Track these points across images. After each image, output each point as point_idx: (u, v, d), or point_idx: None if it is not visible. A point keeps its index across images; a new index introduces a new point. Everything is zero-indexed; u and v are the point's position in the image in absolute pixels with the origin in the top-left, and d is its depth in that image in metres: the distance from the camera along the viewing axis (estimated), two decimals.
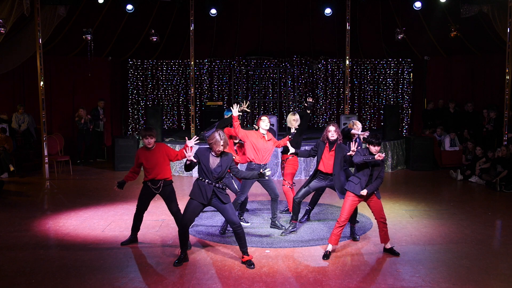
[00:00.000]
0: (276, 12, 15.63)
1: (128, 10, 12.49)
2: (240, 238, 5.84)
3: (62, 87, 14.52)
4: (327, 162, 6.73)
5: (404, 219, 7.80)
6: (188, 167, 5.86)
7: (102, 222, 7.71)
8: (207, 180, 5.75)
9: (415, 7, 12.22)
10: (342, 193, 6.58)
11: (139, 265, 5.93)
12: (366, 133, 7.31)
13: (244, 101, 8.29)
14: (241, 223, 7.47)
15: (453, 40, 13.36)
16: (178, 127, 16.54)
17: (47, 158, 11.47)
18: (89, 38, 12.28)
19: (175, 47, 16.08)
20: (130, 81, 16.13)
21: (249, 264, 5.78)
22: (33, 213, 8.28)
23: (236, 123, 6.98)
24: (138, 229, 6.74)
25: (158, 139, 12.21)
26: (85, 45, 13.42)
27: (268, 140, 7.07)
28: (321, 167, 6.79)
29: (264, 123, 7.04)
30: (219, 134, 5.68)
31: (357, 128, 7.45)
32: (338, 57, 15.88)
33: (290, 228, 7.05)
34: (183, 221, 5.81)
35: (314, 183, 6.90)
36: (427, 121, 13.94)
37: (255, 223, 7.64)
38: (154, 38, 13.24)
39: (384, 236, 6.22)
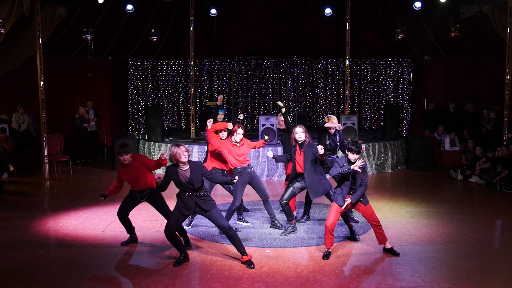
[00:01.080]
0: (276, 12, 15.64)
1: (128, 10, 12.49)
2: (233, 239, 5.84)
3: (62, 87, 14.52)
4: (301, 163, 6.76)
5: (404, 219, 7.79)
6: (161, 187, 5.96)
7: (102, 222, 7.71)
8: (187, 193, 5.78)
9: (415, 7, 12.22)
10: (314, 191, 6.65)
11: (139, 265, 5.94)
12: (340, 125, 7.44)
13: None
14: (241, 222, 7.49)
15: (453, 40, 13.36)
16: (178, 127, 16.54)
17: (47, 158, 11.47)
18: (89, 38, 12.28)
19: (175, 47, 16.09)
20: (130, 81, 16.13)
21: (249, 264, 5.78)
22: (33, 213, 8.28)
23: (210, 135, 7.11)
24: (133, 228, 6.75)
25: (158, 139, 12.33)
26: (85, 45, 13.42)
27: (241, 146, 7.11)
28: (298, 169, 6.84)
29: (238, 136, 7.03)
30: (177, 146, 5.69)
31: (332, 122, 7.48)
32: (338, 57, 15.88)
33: (290, 228, 7.05)
34: (168, 227, 5.82)
35: (299, 184, 6.92)
36: (427, 121, 13.94)
37: (255, 223, 7.64)
38: (154, 38, 13.24)
39: (380, 237, 6.23)
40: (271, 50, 16.22)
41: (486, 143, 11.87)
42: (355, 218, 7.50)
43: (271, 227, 7.33)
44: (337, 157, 7.27)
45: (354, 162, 5.99)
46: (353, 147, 5.98)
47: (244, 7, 15.61)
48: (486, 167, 10.64)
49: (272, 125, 11.61)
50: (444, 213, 8.20)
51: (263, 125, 11.71)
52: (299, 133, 6.68)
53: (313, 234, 7.03)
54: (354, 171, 5.97)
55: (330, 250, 6.15)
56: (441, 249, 6.39)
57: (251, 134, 12.48)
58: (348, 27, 12.55)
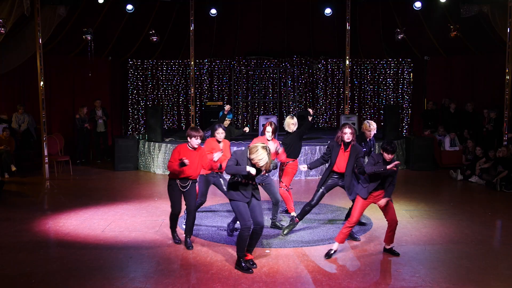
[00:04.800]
0: (276, 12, 15.63)
1: (128, 10, 12.50)
2: (257, 237, 5.80)
3: (62, 87, 14.51)
4: (342, 163, 6.66)
5: (404, 219, 7.79)
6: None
7: (102, 222, 7.71)
8: (244, 180, 5.67)
9: (415, 7, 12.24)
10: (351, 191, 6.59)
11: (139, 265, 5.93)
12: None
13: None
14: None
15: (453, 40, 13.36)
16: (178, 127, 16.52)
17: (47, 158, 11.47)
18: (89, 38, 12.28)
19: (175, 47, 16.08)
20: (130, 81, 16.13)
21: (251, 264, 5.78)
22: (33, 213, 8.28)
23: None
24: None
25: (158, 139, 12.33)
26: (85, 45, 13.41)
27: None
28: (335, 168, 6.75)
29: (268, 134, 7.22)
30: (267, 150, 5.46)
31: (373, 128, 7.37)
32: (338, 57, 15.87)
33: (290, 223, 7.04)
34: (247, 224, 5.66)
35: (329, 183, 6.83)
36: (427, 121, 13.95)
37: None
38: (154, 38, 13.24)
39: (389, 238, 6.23)
40: (271, 50, 16.21)
41: (486, 143, 11.87)
42: (362, 221, 7.44)
43: (271, 227, 7.34)
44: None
45: (389, 162, 5.91)
46: (388, 147, 5.86)
47: (244, 7, 15.60)
48: (486, 167, 10.64)
49: None
50: (444, 213, 8.20)
51: (263, 125, 11.69)
52: (348, 134, 6.56)
53: (313, 235, 7.03)
54: (388, 172, 5.91)
55: (334, 249, 6.13)
56: (441, 249, 6.39)
57: (251, 134, 12.48)
58: (348, 27, 12.54)
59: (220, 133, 7.21)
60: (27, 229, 7.35)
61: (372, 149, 7.61)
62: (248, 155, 5.55)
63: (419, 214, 8.12)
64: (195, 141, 6.36)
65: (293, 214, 7.42)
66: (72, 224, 7.61)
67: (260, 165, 5.47)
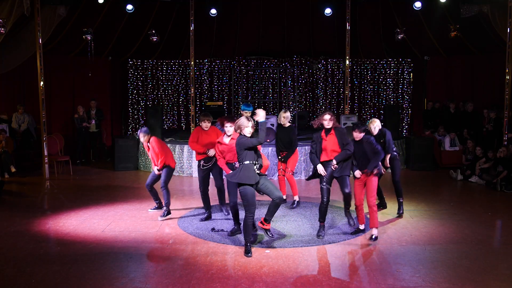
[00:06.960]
0: (276, 12, 15.64)
1: (128, 10, 12.51)
2: (276, 207, 6.23)
3: (62, 87, 14.52)
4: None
5: (404, 219, 7.80)
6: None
7: (102, 222, 7.71)
8: (253, 161, 6.13)
9: (415, 7, 12.23)
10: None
11: (139, 265, 5.93)
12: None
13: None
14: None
15: (453, 40, 13.36)
16: (178, 127, 16.53)
17: (47, 158, 11.47)
18: (89, 38, 12.29)
19: (175, 47, 16.08)
20: (130, 81, 16.13)
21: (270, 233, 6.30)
22: (33, 213, 8.28)
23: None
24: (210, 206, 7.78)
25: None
26: (85, 45, 13.42)
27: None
28: (323, 158, 6.81)
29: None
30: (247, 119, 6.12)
31: (372, 126, 7.63)
32: (338, 57, 15.87)
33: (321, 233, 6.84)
34: (252, 210, 6.08)
35: (328, 175, 6.76)
36: (427, 121, 13.95)
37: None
38: (154, 38, 13.24)
39: (372, 220, 6.65)
40: (271, 50, 16.21)
41: (486, 143, 11.87)
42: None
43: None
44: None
45: (356, 141, 6.71)
46: (355, 125, 6.68)
47: (244, 7, 15.60)
48: (486, 167, 10.64)
49: (272, 125, 11.60)
50: (444, 213, 8.20)
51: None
52: (327, 120, 6.89)
53: (313, 234, 7.01)
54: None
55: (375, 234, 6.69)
56: (441, 249, 6.39)
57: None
58: (348, 27, 12.54)
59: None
60: (27, 229, 7.35)
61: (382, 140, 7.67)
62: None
63: (419, 214, 8.12)
64: (203, 125, 7.55)
65: (296, 198, 8.36)
66: (72, 224, 7.61)
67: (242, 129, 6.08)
